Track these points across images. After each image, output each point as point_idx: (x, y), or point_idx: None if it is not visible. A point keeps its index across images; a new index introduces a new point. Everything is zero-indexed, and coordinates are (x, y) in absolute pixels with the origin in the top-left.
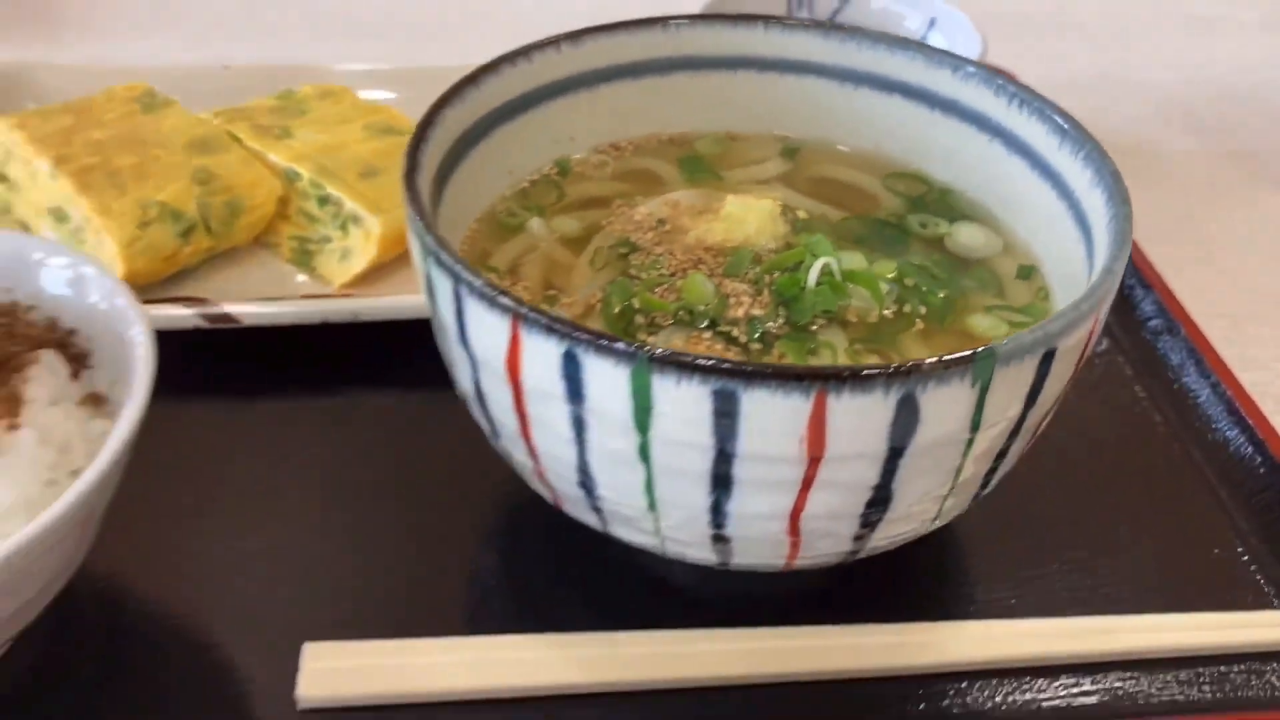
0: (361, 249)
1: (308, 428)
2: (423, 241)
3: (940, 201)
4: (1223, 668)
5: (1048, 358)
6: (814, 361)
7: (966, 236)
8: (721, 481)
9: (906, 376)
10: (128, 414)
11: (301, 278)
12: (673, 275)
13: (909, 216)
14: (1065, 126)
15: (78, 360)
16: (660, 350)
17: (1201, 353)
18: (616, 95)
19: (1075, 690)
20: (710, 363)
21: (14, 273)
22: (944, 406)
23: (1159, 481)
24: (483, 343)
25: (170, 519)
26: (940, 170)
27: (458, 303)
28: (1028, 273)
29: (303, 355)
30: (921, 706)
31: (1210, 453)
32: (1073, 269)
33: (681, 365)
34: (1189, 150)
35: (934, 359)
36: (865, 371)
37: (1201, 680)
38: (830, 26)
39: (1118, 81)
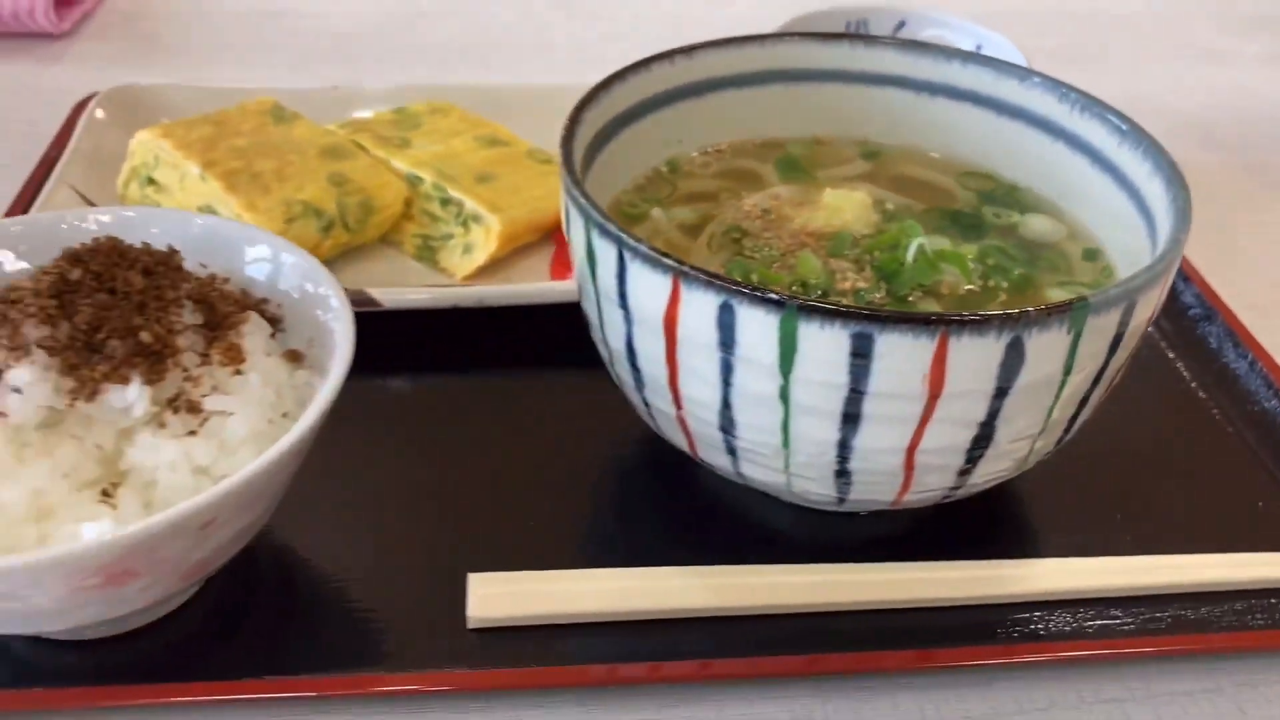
0: (483, 244)
1: (449, 395)
2: (587, 215)
3: (1009, 196)
4: (1272, 600)
5: (1129, 310)
6: None
7: (1036, 225)
8: (850, 419)
9: (1016, 321)
10: (337, 367)
11: (423, 269)
12: (783, 256)
13: (983, 208)
14: (1124, 127)
15: (272, 323)
16: (807, 298)
17: (1238, 335)
18: (720, 102)
19: (1144, 618)
20: (850, 308)
21: (208, 250)
22: (1044, 350)
23: (1204, 445)
24: (642, 300)
25: (336, 477)
26: (1007, 169)
27: (620, 265)
28: (1093, 255)
29: (434, 336)
30: (1012, 631)
31: (1249, 420)
32: (1134, 249)
33: (825, 311)
34: (1209, 163)
35: (1039, 307)
36: (982, 315)
37: (1255, 610)
38: (908, 43)
39: (1141, 106)
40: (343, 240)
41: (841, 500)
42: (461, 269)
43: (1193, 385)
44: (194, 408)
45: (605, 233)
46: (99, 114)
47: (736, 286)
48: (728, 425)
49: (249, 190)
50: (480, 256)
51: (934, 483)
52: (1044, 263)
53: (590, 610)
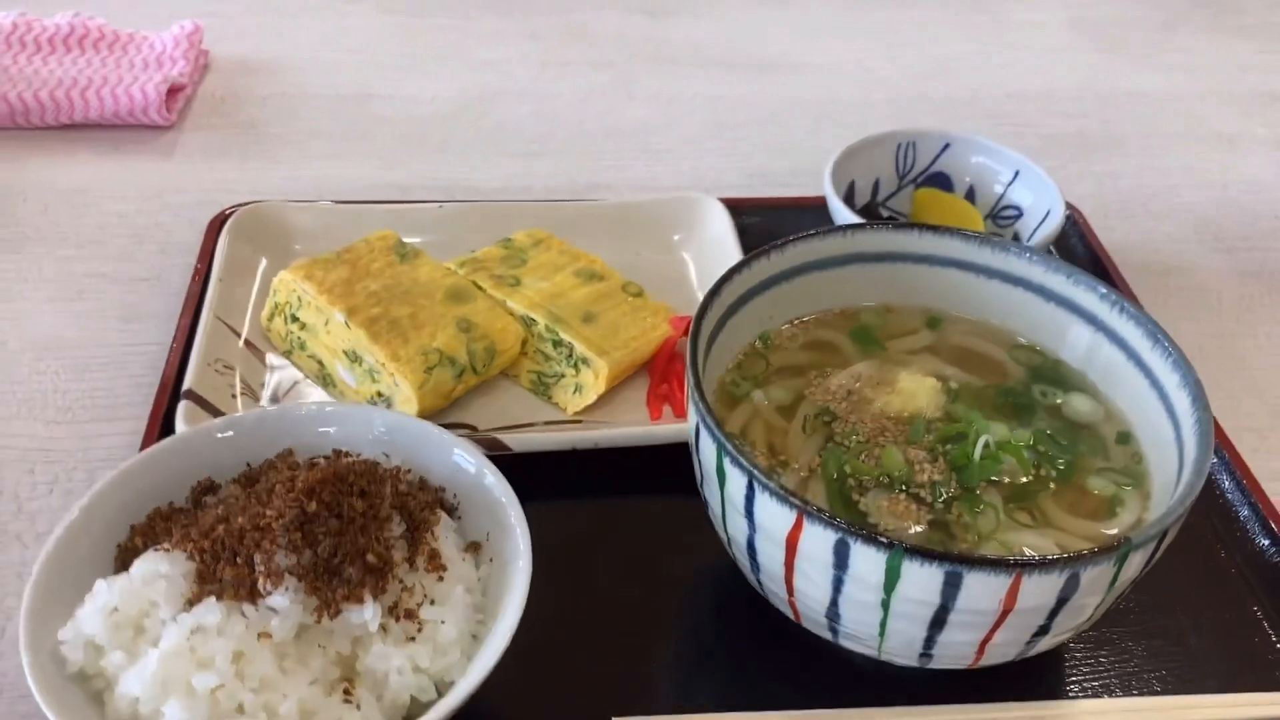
0: (592, 385)
1: (567, 531)
2: (720, 445)
3: (1054, 371)
4: None
5: (1162, 539)
6: (982, 517)
7: (1077, 405)
8: (937, 623)
9: (1074, 562)
10: (519, 583)
11: (538, 402)
12: (868, 442)
13: (1033, 386)
14: (1157, 333)
15: (450, 512)
16: (911, 543)
17: (1240, 475)
18: (805, 283)
19: None
20: (945, 553)
21: (389, 443)
22: (1095, 578)
23: (1211, 582)
24: (766, 520)
25: None
26: (1053, 345)
27: (750, 491)
28: (1125, 438)
29: (549, 470)
30: None
31: (1248, 559)
32: (1161, 440)
33: (925, 553)
34: (1220, 269)
35: (1093, 549)
36: (1049, 559)
37: None
38: (970, 234)
39: (1157, 205)
40: (472, 382)
41: (923, 665)
42: (573, 405)
43: (1202, 524)
44: (411, 615)
45: (738, 464)
46: (231, 237)
47: (852, 528)
48: (833, 616)
49: (390, 339)
50: (590, 396)
51: (1000, 655)
52: (1085, 445)
53: None
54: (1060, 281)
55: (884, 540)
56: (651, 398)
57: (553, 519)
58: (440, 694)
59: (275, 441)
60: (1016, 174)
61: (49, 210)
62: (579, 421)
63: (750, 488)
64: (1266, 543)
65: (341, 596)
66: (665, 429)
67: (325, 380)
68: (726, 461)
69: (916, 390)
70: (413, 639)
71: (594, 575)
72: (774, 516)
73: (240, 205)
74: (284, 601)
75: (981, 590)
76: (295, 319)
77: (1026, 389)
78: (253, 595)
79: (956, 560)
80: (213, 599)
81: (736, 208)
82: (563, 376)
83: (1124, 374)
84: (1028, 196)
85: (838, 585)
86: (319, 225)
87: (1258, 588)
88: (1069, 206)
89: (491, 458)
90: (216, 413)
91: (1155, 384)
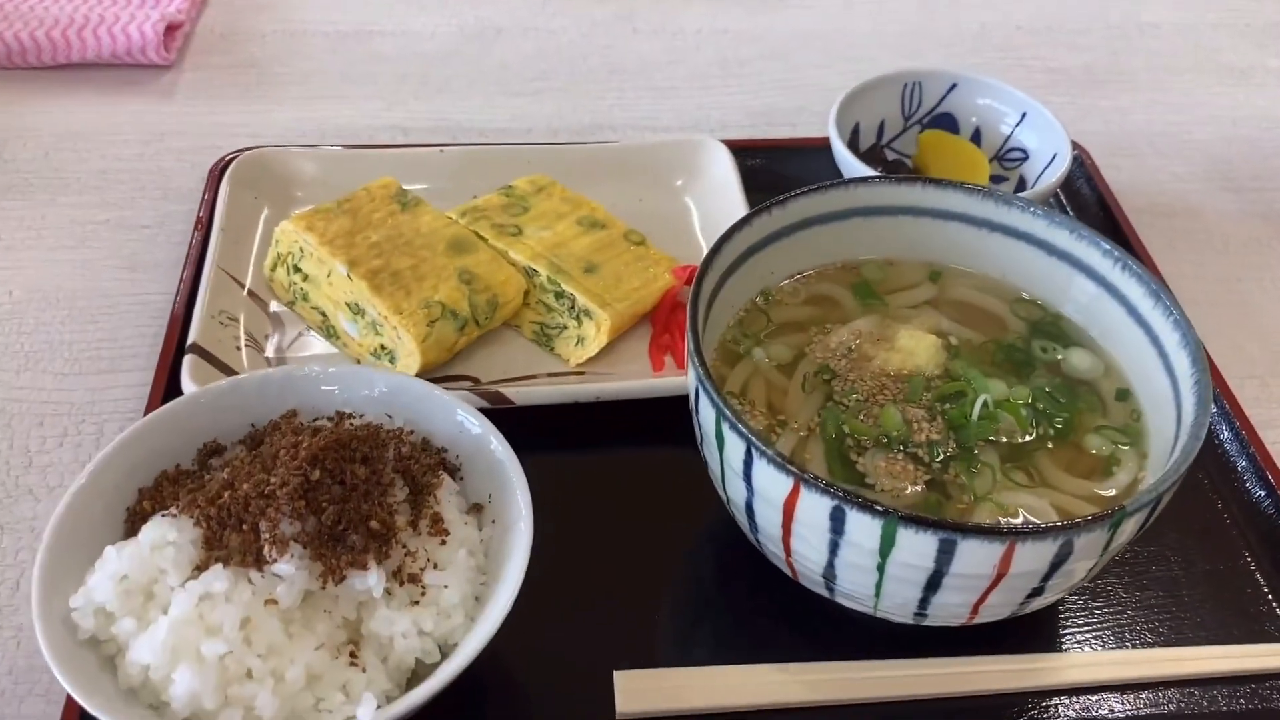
0: (594, 337)
1: (569, 484)
2: (719, 411)
3: (1054, 326)
4: (1252, 685)
5: (1156, 505)
6: (978, 478)
7: (1077, 361)
8: (931, 585)
9: (1069, 530)
10: (520, 545)
11: (541, 353)
12: (866, 401)
13: (1033, 342)
14: (1159, 291)
15: (453, 474)
16: (906, 510)
17: (1240, 426)
18: (806, 237)
19: (1147, 703)
20: (939, 521)
21: (391, 403)
22: (1089, 543)
23: (1206, 533)
24: (764, 485)
25: None
26: (1055, 300)
27: (748, 457)
28: (1124, 395)
29: (552, 422)
30: (1040, 715)
31: (1243, 510)
32: (1160, 398)
33: (920, 521)
34: (1228, 210)
35: (1087, 518)
36: (1044, 527)
37: (1237, 696)
38: (973, 187)
39: (1164, 144)
40: (474, 335)
41: (918, 624)
42: (575, 357)
43: (1197, 472)
44: (415, 579)
45: (736, 430)
46: (232, 184)
47: (848, 496)
48: (829, 576)
49: (393, 291)
50: (593, 348)
51: (992, 615)
52: (1083, 402)
53: (718, 704)
54: (1063, 237)
55: (879, 508)
56: (653, 348)
57: (555, 472)
58: (444, 655)
59: (279, 403)
60: (1024, 116)
61: (49, 155)
62: (582, 374)
63: (749, 454)
64: (1262, 494)
65: (346, 563)
66: (666, 382)
67: (329, 332)
68: (725, 427)
69: (916, 348)
70: (416, 603)
71: (595, 529)
72: (772, 482)
73: (241, 151)
74: (289, 569)
75: (976, 556)
76: (298, 269)
77: (1026, 344)
78: (259, 562)
79: (951, 528)
80: (220, 566)
81: (741, 150)
82: (565, 328)
83: (1125, 330)
84: (1034, 139)
85: (834, 549)
86: (320, 171)
87: (1252, 540)
88: (1075, 146)
89: (493, 411)
90: (222, 366)
91: (1155, 342)
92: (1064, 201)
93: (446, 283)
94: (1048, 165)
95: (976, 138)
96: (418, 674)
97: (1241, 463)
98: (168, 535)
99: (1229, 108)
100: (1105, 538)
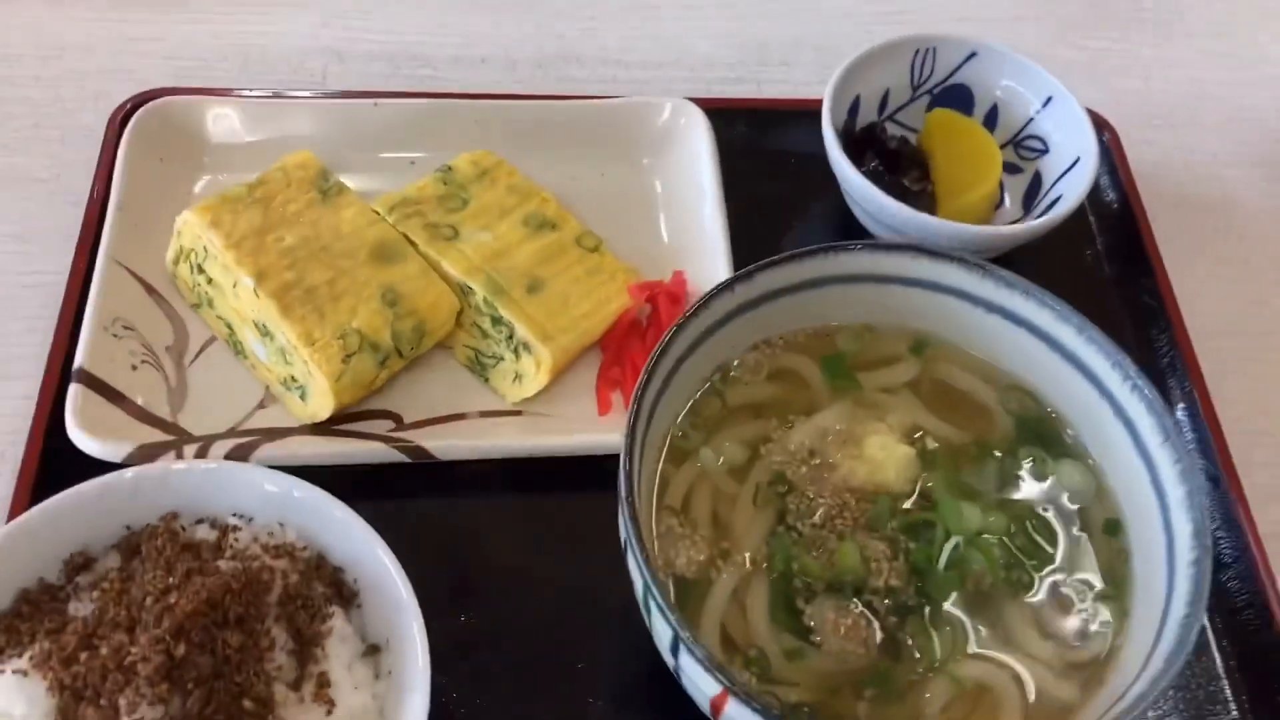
0: (533, 376)
1: (494, 551)
2: (647, 586)
3: (1046, 426)
4: None
5: None
6: (938, 637)
7: (1066, 479)
8: None
9: None
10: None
11: (474, 383)
12: (823, 526)
13: (1020, 450)
14: (1168, 429)
15: (349, 599)
16: None
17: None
18: (775, 308)
19: None
20: None
21: (284, 509)
22: None
23: None
24: (693, 678)
25: None
26: (1051, 394)
27: (675, 645)
28: (1113, 528)
29: (478, 475)
30: None
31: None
32: (1152, 543)
33: None
34: (1268, 210)
35: None
36: None
37: None
38: (975, 264)
39: (1215, 105)
40: (397, 367)
41: None
42: (511, 395)
43: None
44: None
45: (664, 616)
46: (133, 142)
47: (779, 715)
48: None
49: (304, 315)
50: (530, 388)
51: None
52: (1066, 533)
53: None
54: (1069, 334)
55: None
56: (601, 382)
57: (479, 535)
58: None
59: (158, 503)
60: (1049, 100)
61: None
62: (519, 413)
63: (676, 644)
64: (1246, 598)
65: None
66: (607, 439)
67: (235, 347)
68: (654, 609)
69: (886, 460)
70: None
71: (521, 608)
72: (701, 678)
73: (145, 96)
74: None
75: None
76: (202, 270)
77: (1013, 453)
78: None
79: None
80: None
81: (718, 111)
82: (501, 359)
83: (1125, 457)
84: (1057, 132)
85: None
86: (234, 128)
87: (1234, 662)
88: (1101, 121)
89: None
90: (112, 394)
91: (1158, 487)
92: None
93: (367, 305)
94: (1070, 168)
95: (993, 116)
96: None
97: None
98: (14, 708)
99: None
100: None
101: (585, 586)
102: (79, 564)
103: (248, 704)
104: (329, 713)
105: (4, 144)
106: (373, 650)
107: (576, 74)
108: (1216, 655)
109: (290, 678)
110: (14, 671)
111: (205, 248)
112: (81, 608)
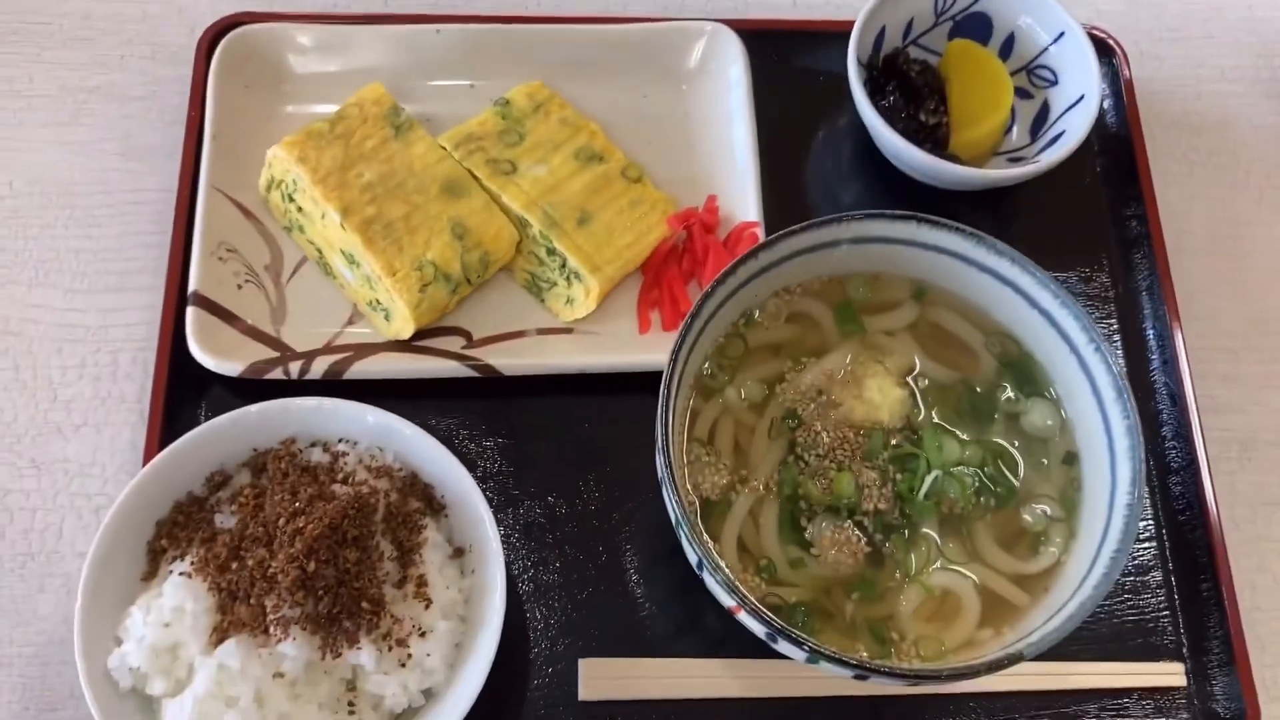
0: (583, 301)
1: (548, 459)
2: (678, 521)
3: (1024, 367)
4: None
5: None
6: (914, 552)
7: (1036, 416)
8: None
9: (962, 673)
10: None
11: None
12: (825, 457)
13: (999, 388)
14: (1122, 390)
15: (438, 510)
16: (827, 650)
17: (1182, 410)
18: (793, 265)
19: (1038, 711)
20: (855, 659)
21: (383, 437)
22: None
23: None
24: (714, 590)
25: None
26: (1029, 342)
27: (700, 566)
28: (1071, 460)
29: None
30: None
31: (1168, 519)
32: (1099, 482)
33: (834, 659)
34: (1264, 126)
35: (984, 663)
36: (942, 672)
37: (1123, 699)
38: (970, 232)
39: (1224, 15)
40: (466, 293)
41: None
42: (564, 315)
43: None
44: (402, 643)
45: (691, 544)
46: (220, 72)
47: (781, 629)
48: (771, 641)
49: (385, 247)
50: (581, 311)
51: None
52: (1030, 464)
53: (657, 693)
54: (1047, 298)
55: (805, 644)
56: (642, 304)
57: (534, 443)
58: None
59: (280, 430)
60: (1060, 35)
61: None
62: (570, 330)
63: (700, 565)
64: (1185, 503)
65: (342, 641)
66: (647, 359)
67: (325, 269)
68: (684, 536)
69: (882, 402)
70: (404, 665)
71: (564, 521)
72: (718, 590)
73: (227, 20)
74: (293, 650)
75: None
76: (292, 199)
77: (992, 392)
78: (266, 633)
79: (862, 667)
80: (233, 643)
81: (754, 34)
82: (555, 284)
83: (1085, 403)
84: (1066, 67)
85: (773, 641)
86: (306, 54)
87: (1167, 548)
88: (1108, 46)
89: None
90: (224, 314)
91: (1109, 434)
92: None
93: (439, 238)
94: (1074, 104)
95: (1010, 44)
96: (402, 716)
97: (1178, 456)
98: (185, 604)
99: None
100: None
101: (622, 477)
102: (218, 481)
103: (364, 605)
104: (427, 607)
105: (102, 61)
106: (458, 553)
107: None
108: (1155, 545)
109: (395, 580)
110: (180, 574)
111: (294, 180)
112: (224, 519)
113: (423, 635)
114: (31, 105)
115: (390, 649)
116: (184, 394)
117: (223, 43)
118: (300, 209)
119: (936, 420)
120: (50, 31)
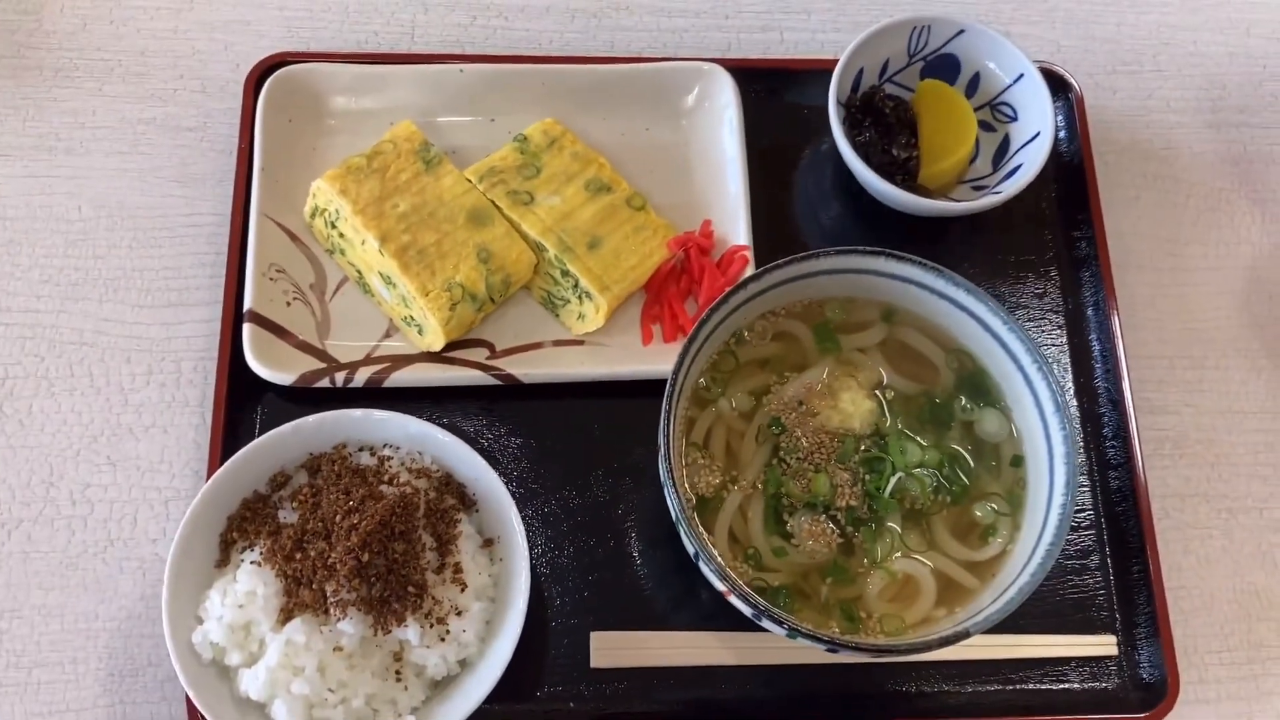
0: (593, 317)
1: (562, 451)
2: (678, 515)
3: (979, 380)
4: (1074, 665)
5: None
6: (880, 543)
7: (988, 424)
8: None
9: (919, 648)
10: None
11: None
12: (805, 460)
13: (956, 398)
14: (1061, 405)
15: (470, 506)
16: (802, 627)
17: (1119, 400)
18: (778, 291)
19: (988, 676)
20: (823, 636)
21: (422, 443)
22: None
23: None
24: (708, 576)
25: None
26: (983, 359)
27: (697, 557)
28: (1018, 462)
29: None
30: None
31: (1105, 507)
32: (1040, 483)
33: (810, 635)
34: (1204, 152)
35: (938, 637)
36: (902, 646)
37: (1063, 667)
38: (930, 266)
39: (1172, 50)
40: (490, 310)
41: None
42: (576, 329)
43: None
44: (442, 621)
45: (689, 537)
46: (267, 108)
47: (764, 610)
48: (757, 619)
49: (418, 271)
50: (591, 325)
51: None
52: (982, 467)
53: (661, 663)
54: (998, 324)
55: (785, 622)
56: (644, 318)
57: (550, 443)
58: (462, 668)
59: (333, 436)
60: (1020, 77)
61: (88, 26)
62: (581, 342)
63: (697, 555)
64: (1119, 485)
65: (391, 620)
66: (650, 368)
67: (364, 288)
68: (683, 530)
69: (855, 411)
70: (443, 639)
71: (583, 489)
72: (712, 576)
73: (271, 59)
74: (349, 627)
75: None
76: (334, 226)
77: (950, 402)
78: (327, 613)
79: (834, 642)
80: (299, 621)
81: (743, 71)
82: (568, 301)
83: (1030, 414)
84: (1025, 106)
85: (758, 618)
86: (344, 92)
87: (1105, 534)
88: (1059, 78)
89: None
90: (276, 329)
91: (1049, 442)
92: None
93: (466, 262)
94: (1031, 140)
95: (975, 82)
96: (440, 684)
97: (1114, 453)
98: (257, 588)
99: (1245, 10)
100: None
101: (627, 472)
102: (280, 481)
103: (410, 589)
104: (462, 590)
105: (157, 94)
106: (488, 543)
107: (625, 22)
108: (1094, 532)
109: (435, 567)
110: (251, 562)
111: (337, 210)
112: (286, 515)
113: (459, 614)
114: (96, 136)
115: (432, 626)
116: (241, 399)
117: (269, 81)
118: (342, 235)
119: (901, 427)
120: (110, 67)
